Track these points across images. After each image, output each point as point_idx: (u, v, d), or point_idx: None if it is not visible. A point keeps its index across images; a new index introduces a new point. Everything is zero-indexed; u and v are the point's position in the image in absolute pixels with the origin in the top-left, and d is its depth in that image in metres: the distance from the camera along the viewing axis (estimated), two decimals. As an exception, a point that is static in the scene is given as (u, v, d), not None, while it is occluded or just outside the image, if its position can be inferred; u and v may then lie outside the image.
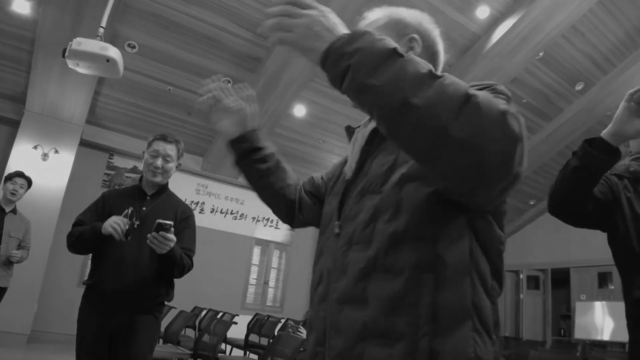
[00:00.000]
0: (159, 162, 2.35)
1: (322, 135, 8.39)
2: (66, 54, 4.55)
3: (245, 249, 9.21)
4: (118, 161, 8.08)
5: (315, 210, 1.22)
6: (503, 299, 11.89)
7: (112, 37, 6.16)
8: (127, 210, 2.14)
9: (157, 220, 2.05)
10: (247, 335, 5.45)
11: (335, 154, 8.84)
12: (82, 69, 4.87)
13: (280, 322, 6.96)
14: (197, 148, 8.32)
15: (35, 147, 6.78)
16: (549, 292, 11.62)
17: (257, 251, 9.45)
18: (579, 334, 9.92)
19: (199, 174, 8.65)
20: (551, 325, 11.44)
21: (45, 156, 6.80)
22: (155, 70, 6.81)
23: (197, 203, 8.67)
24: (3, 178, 4.04)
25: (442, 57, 1.17)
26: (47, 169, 6.83)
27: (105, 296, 2.21)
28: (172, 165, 2.39)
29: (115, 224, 2.09)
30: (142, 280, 2.23)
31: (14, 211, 3.99)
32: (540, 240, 11.61)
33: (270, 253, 9.57)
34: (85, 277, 2.29)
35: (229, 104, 1.20)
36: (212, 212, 8.84)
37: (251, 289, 9.28)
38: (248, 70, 6.93)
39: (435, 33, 1.16)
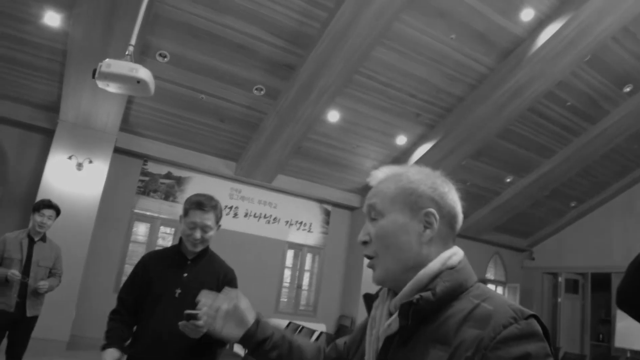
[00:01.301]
0: (198, 234, 2.21)
1: (357, 140, 8.22)
2: (96, 76, 4.50)
3: (279, 252, 9.18)
4: (152, 167, 8.10)
5: None
6: (540, 301, 11.57)
7: (143, 48, 6.11)
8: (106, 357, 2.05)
9: (185, 312, 1.93)
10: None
11: (370, 159, 8.66)
12: (112, 89, 4.80)
13: (315, 333, 6.90)
14: (230, 153, 8.27)
15: (69, 158, 6.83)
16: (588, 296, 11.26)
17: (290, 255, 9.40)
18: (619, 341, 9.57)
19: (233, 179, 8.62)
20: (589, 330, 11.10)
21: (79, 166, 6.85)
22: (187, 79, 6.75)
23: (230, 207, 8.65)
24: (32, 207, 3.98)
25: (460, 218, 1.03)
26: (82, 178, 6.88)
27: None
28: (211, 233, 2.25)
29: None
30: (184, 355, 2.15)
31: (43, 239, 3.94)
32: (581, 243, 11.23)
33: (304, 256, 9.52)
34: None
35: (223, 311, 1.20)
36: (245, 216, 8.82)
37: (285, 293, 9.25)
38: (280, 77, 6.80)
39: (452, 194, 1.02)
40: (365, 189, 9.51)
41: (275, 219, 9.13)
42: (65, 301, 6.57)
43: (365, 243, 1.02)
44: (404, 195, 0.99)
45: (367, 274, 9.13)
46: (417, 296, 0.88)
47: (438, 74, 6.99)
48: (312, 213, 9.58)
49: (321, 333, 6.96)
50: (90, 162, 6.94)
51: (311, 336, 6.80)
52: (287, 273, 9.35)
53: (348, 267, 9.78)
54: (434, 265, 0.93)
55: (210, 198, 2.28)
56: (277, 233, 9.15)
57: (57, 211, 3.97)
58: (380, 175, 1.07)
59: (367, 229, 1.03)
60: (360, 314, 9.03)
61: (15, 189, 7.11)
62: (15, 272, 3.61)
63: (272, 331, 1.18)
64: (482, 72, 7.02)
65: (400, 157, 8.59)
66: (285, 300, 9.26)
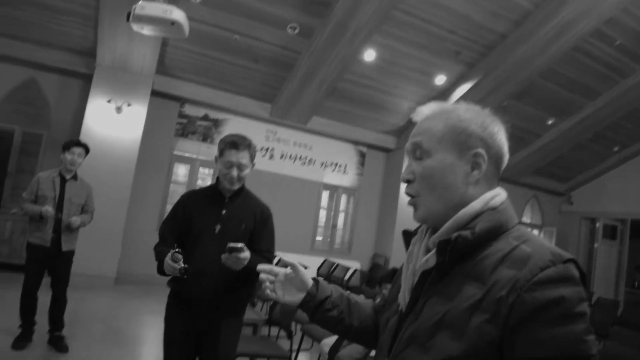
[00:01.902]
0: (234, 172, 2.28)
1: (394, 80, 8.04)
2: (130, 19, 4.50)
3: (314, 193, 9.31)
4: (189, 110, 8.19)
5: None
6: (576, 246, 11.46)
7: (177, -12, 6.03)
8: (172, 253, 2.08)
9: (228, 244, 2.03)
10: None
11: (407, 99, 8.49)
12: (147, 32, 4.82)
13: (349, 270, 7.09)
14: (265, 95, 8.26)
15: (108, 101, 6.97)
16: (626, 243, 11.06)
17: (325, 195, 9.53)
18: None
19: (268, 120, 8.65)
20: (624, 277, 11.00)
21: (119, 109, 6.99)
22: (221, 19, 6.66)
23: (266, 149, 8.74)
24: (62, 146, 4.09)
25: (506, 158, 1.00)
26: (122, 121, 7.05)
27: (189, 303, 2.27)
28: (247, 171, 2.31)
29: (172, 268, 2.08)
30: (225, 288, 2.26)
31: (74, 177, 4.09)
32: (621, 189, 10.91)
33: (339, 197, 9.64)
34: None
35: (283, 278, 1.22)
36: (281, 157, 8.91)
37: (320, 232, 9.47)
38: (315, 15, 6.61)
39: (501, 134, 0.98)
40: (401, 131, 9.40)
41: (310, 160, 9.20)
42: (112, 240, 6.93)
43: (409, 182, 1.00)
44: (453, 134, 0.96)
45: (401, 214, 9.21)
46: (455, 234, 0.89)
47: (480, 9, 6.66)
48: (347, 155, 9.59)
49: (355, 270, 7.15)
50: (129, 105, 7.07)
51: (345, 273, 7.01)
52: (322, 213, 9.53)
53: (382, 208, 9.87)
54: (475, 204, 0.93)
55: (244, 137, 2.34)
56: (313, 174, 9.25)
57: (86, 149, 4.09)
58: (427, 111, 1.04)
59: (412, 168, 1.00)
60: (394, 253, 9.19)
61: (58, 134, 7.33)
62: (48, 209, 3.78)
63: (330, 290, 1.21)
64: (527, 8, 6.64)
65: (439, 97, 8.38)
66: (320, 239, 9.49)
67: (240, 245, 2.04)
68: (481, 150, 0.95)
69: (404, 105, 8.66)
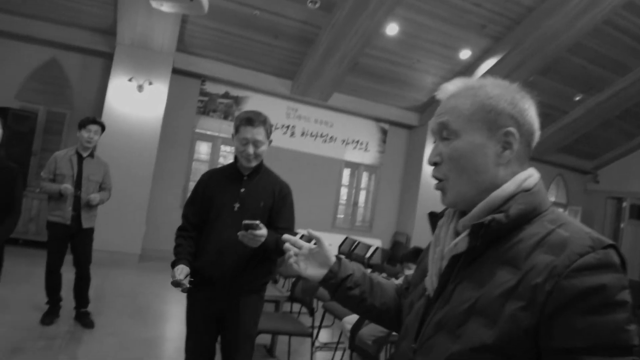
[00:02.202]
0: (251, 149, 2.26)
1: (417, 54, 7.87)
2: (149, -5, 4.47)
3: (335, 171, 9.28)
4: (210, 87, 8.18)
5: None
6: (602, 226, 11.25)
7: (197, -37, 5.95)
8: (176, 272, 2.15)
9: (244, 221, 2.03)
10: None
11: (431, 74, 8.32)
12: (166, 8, 4.79)
13: (370, 248, 7.08)
14: (286, 71, 8.18)
15: (130, 80, 6.99)
16: (653, 223, 10.78)
17: (346, 173, 9.50)
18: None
19: (289, 98, 8.59)
20: (652, 257, 10.75)
21: (140, 88, 7.01)
22: (241, -6, 6.58)
23: (287, 127, 8.71)
24: (78, 124, 4.12)
25: (537, 136, 0.94)
26: (144, 100, 7.07)
27: (208, 282, 2.28)
28: (263, 147, 2.30)
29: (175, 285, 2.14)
30: (243, 265, 2.26)
31: (91, 155, 4.11)
32: (650, 168, 10.58)
33: (360, 175, 9.59)
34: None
35: (306, 252, 1.20)
36: (302, 135, 8.87)
37: (341, 209, 9.46)
38: (337, -11, 6.49)
39: (531, 111, 0.92)
40: (424, 107, 9.24)
41: (331, 137, 9.14)
42: (136, 217, 7.04)
43: (436, 164, 0.95)
44: (482, 112, 0.90)
45: (423, 192, 9.13)
46: (489, 217, 0.85)
47: (507, -20, 6.44)
48: (369, 132, 9.50)
49: (377, 248, 7.14)
50: (150, 83, 7.08)
51: (367, 251, 7.00)
52: (344, 191, 9.51)
53: (404, 186, 9.79)
54: (508, 186, 0.88)
55: (259, 113, 2.32)
56: (334, 152, 9.20)
57: (102, 127, 4.11)
58: (452, 88, 0.98)
59: (438, 149, 0.95)
60: (415, 231, 9.14)
61: (81, 113, 7.34)
62: (67, 186, 3.82)
63: (352, 270, 1.18)
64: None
65: (464, 72, 8.19)
66: (342, 216, 9.49)
67: (256, 222, 2.04)
68: (512, 129, 0.89)
69: (427, 81, 8.50)
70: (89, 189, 4.00)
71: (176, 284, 2.11)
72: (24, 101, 7.21)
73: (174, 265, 2.22)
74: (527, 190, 0.88)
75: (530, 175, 0.91)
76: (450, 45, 7.69)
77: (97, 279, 4.32)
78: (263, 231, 2.08)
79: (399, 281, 1.28)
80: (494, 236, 0.85)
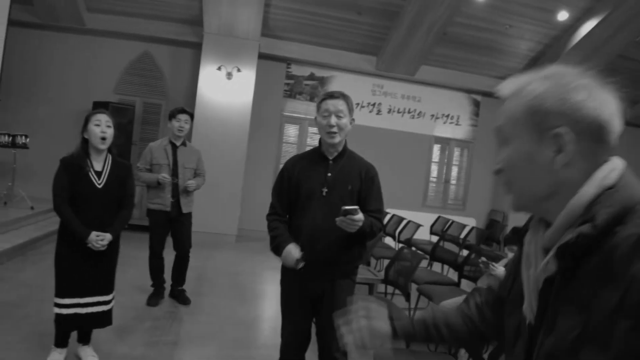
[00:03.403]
0: (333, 119, 2.24)
1: (509, 19, 7.32)
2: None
3: (425, 147, 8.98)
4: (296, 70, 8.21)
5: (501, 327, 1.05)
6: None
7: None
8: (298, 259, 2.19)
9: (343, 207, 2.05)
10: (433, 250, 5.36)
11: (525, 39, 7.73)
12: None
13: (465, 227, 6.79)
14: (369, 47, 7.99)
15: (219, 68, 7.20)
16: None
17: (436, 149, 9.15)
18: None
19: (374, 74, 8.40)
20: None
21: (229, 75, 7.20)
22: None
23: (373, 104, 8.54)
24: (168, 115, 4.32)
25: (614, 124, 0.77)
26: (233, 87, 7.27)
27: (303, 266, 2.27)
28: (345, 120, 2.27)
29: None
30: (335, 249, 2.25)
31: (184, 144, 4.27)
32: None
33: (451, 150, 9.20)
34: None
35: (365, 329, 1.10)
36: (389, 112, 8.66)
37: (432, 188, 9.17)
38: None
39: (592, 100, 0.76)
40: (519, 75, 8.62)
41: (420, 113, 8.83)
42: (231, 200, 7.30)
43: (499, 171, 0.87)
44: (527, 115, 0.80)
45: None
46: (574, 235, 0.73)
47: None
48: (459, 104, 9.06)
49: (472, 228, 6.83)
50: (239, 70, 7.25)
51: (461, 231, 6.72)
52: (434, 168, 9.18)
53: (500, 160, 9.25)
54: (587, 190, 0.76)
55: (338, 90, 2.35)
56: (423, 127, 8.89)
57: (191, 115, 4.25)
58: (510, 87, 0.86)
59: (500, 156, 0.87)
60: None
61: (175, 103, 7.75)
62: (165, 175, 4.01)
63: (412, 327, 1.12)
64: None
65: (561, 35, 7.52)
66: (433, 194, 9.19)
67: (355, 207, 2.07)
68: (563, 129, 0.76)
69: (521, 47, 7.90)
70: (185, 176, 4.18)
71: (297, 262, 2.18)
72: (122, 94, 7.71)
73: (279, 248, 2.24)
74: (611, 188, 0.75)
75: (613, 169, 0.77)
76: (546, 6, 7.06)
77: (197, 260, 4.54)
78: (360, 216, 2.09)
79: (483, 283, 1.18)
80: (585, 251, 0.73)
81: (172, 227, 4.23)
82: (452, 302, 3.34)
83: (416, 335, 1.12)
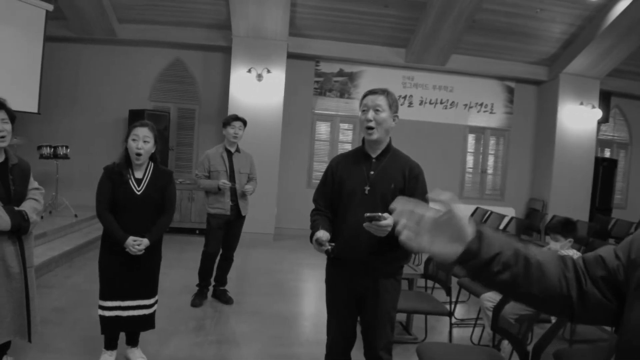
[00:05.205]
0: (370, 114, 2.24)
1: (539, 2, 7.12)
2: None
3: (459, 137, 8.84)
4: (324, 67, 8.22)
5: (609, 310, 0.88)
6: None
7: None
8: (317, 234, 2.19)
9: (365, 214, 2.00)
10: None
11: (557, 22, 7.50)
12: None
13: (504, 218, 6.67)
14: (398, 40, 7.91)
15: (249, 71, 7.30)
16: None
17: (471, 139, 8.99)
18: None
19: (404, 67, 8.32)
20: None
21: (259, 77, 7.29)
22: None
23: (404, 97, 8.46)
24: (222, 123, 4.49)
25: None
26: (264, 88, 7.35)
27: (346, 265, 2.30)
28: (384, 115, 2.24)
29: (318, 249, 2.19)
30: (378, 248, 2.23)
31: (238, 150, 4.39)
32: None
33: (487, 140, 9.02)
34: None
35: (429, 223, 0.88)
36: (420, 104, 8.56)
37: (468, 178, 9.02)
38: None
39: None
40: (553, 59, 8.39)
41: (452, 103, 8.70)
42: (268, 199, 7.39)
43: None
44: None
45: (559, 152, 8.37)
46: None
47: None
48: (493, 92, 8.87)
49: (512, 218, 6.69)
50: (269, 71, 7.32)
51: (500, 222, 6.60)
52: (470, 158, 9.02)
53: (537, 148, 9.03)
54: None
55: (381, 88, 2.34)
56: (456, 117, 8.76)
57: (244, 122, 4.36)
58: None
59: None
60: (552, 196, 8.41)
61: (208, 107, 8.00)
62: (225, 181, 4.18)
63: (499, 247, 0.88)
64: None
65: (595, 16, 7.26)
66: (470, 185, 9.05)
67: (377, 214, 2.00)
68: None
69: (553, 30, 7.68)
70: (242, 181, 4.36)
71: (321, 242, 2.16)
72: (156, 101, 7.90)
73: (312, 234, 2.26)
74: None
75: None
76: (579, -15, 6.83)
77: (236, 260, 4.65)
78: (388, 221, 2.00)
79: (565, 251, 1.01)
80: None
81: (226, 229, 4.38)
82: (494, 295, 3.29)
83: (500, 258, 0.88)
